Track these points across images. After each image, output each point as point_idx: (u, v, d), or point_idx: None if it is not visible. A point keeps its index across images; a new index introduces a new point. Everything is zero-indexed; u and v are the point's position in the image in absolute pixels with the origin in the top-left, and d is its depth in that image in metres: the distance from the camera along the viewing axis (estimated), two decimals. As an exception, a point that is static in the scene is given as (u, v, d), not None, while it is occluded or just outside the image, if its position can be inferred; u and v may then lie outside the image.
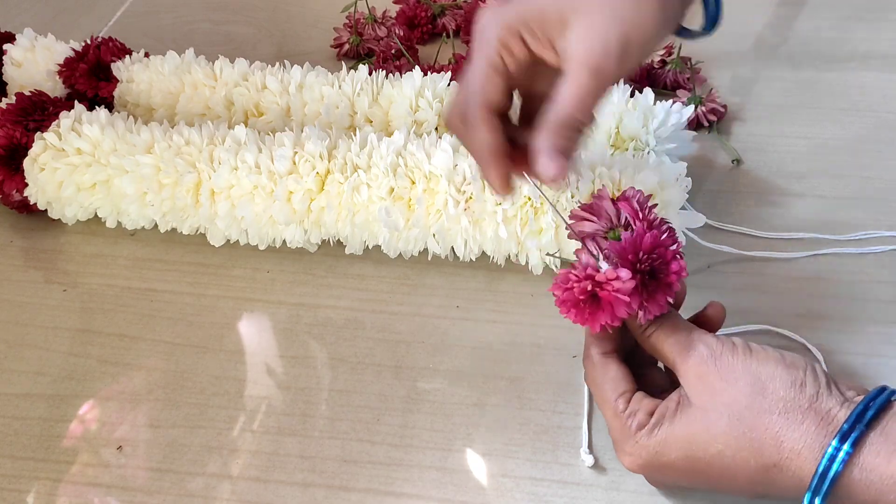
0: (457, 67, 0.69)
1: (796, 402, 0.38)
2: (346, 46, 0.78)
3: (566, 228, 0.44)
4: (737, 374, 0.39)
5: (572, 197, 0.52)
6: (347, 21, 0.79)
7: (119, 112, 0.64)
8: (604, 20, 0.39)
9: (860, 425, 0.36)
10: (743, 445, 0.38)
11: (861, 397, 0.38)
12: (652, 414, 0.40)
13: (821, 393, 0.38)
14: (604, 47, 0.39)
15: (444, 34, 0.79)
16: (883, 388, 0.38)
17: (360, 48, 0.78)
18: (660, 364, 0.46)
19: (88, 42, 0.68)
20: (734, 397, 0.38)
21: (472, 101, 0.42)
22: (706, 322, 0.45)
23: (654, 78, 0.73)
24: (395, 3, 0.82)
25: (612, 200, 0.43)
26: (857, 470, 0.36)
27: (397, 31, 0.78)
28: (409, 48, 0.77)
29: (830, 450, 0.36)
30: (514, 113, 0.47)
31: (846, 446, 0.36)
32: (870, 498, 0.36)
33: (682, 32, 0.47)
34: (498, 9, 0.42)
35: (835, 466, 0.36)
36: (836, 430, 0.36)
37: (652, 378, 0.45)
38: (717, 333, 0.43)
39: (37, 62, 0.68)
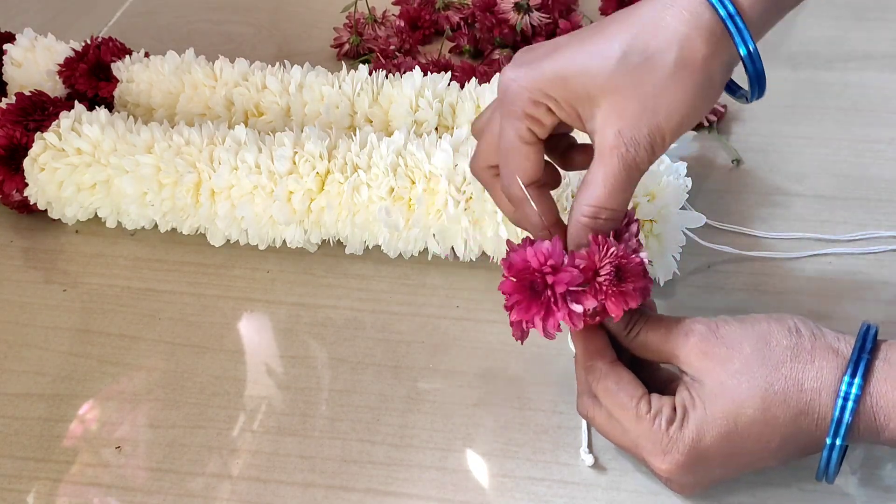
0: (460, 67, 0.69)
1: (801, 346, 0.39)
2: (347, 46, 0.78)
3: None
4: (738, 338, 0.40)
5: (573, 196, 0.52)
6: (347, 21, 0.79)
7: (119, 112, 0.64)
8: (635, 109, 0.38)
9: (865, 354, 0.38)
10: (770, 401, 0.38)
11: (850, 334, 0.40)
12: (675, 408, 0.40)
13: (816, 333, 0.40)
14: (634, 139, 0.38)
15: (447, 28, 0.79)
16: (868, 326, 0.39)
17: (360, 48, 0.78)
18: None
19: (88, 42, 0.68)
20: (744, 361, 0.39)
21: (512, 179, 0.42)
22: None
23: (654, 78, 0.72)
24: (394, 3, 0.82)
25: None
26: (868, 398, 0.37)
27: (399, 24, 0.78)
28: (411, 49, 0.77)
29: (844, 387, 0.37)
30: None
31: (857, 379, 0.37)
32: (881, 423, 0.38)
33: (729, 89, 0.44)
34: (520, 69, 0.40)
35: (849, 406, 0.37)
36: (845, 362, 0.38)
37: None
38: None
39: (37, 62, 0.68)
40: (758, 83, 0.41)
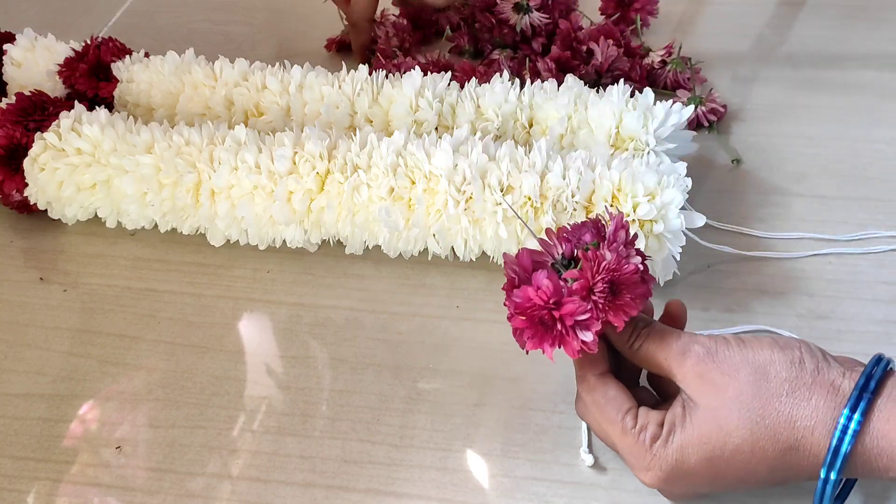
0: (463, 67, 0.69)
1: (800, 381, 0.38)
2: (339, 36, 0.78)
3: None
4: (736, 365, 0.39)
5: (572, 196, 0.52)
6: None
7: (119, 112, 0.64)
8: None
9: (867, 394, 0.36)
10: (759, 435, 0.38)
11: (859, 368, 0.38)
12: (662, 425, 0.40)
13: (820, 367, 0.38)
14: None
15: (447, 28, 0.79)
16: (879, 358, 0.38)
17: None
18: (642, 381, 0.46)
19: (88, 42, 0.68)
20: (739, 389, 0.38)
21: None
22: (672, 322, 0.44)
23: (654, 78, 0.73)
24: (393, 4, 0.82)
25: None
26: (868, 438, 0.36)
27: (402, 22, 0.78)
28: (410, 48, 0.77)
29: (843, 420, 0.36)
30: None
31: (857, 415, 0.36)
32: (881, 465, 0.36)
33: None
34: None
35: (847, 439, 0.36)
36: (844, 400, 0.37)
37: (639, 397, 0.44)
38: (714, 333, 0.42)
39: (37, 62, 0.68)
40: None
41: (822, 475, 0.37)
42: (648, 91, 0.59)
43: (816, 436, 0.37)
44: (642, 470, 0.40)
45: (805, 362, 0.38)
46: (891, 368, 0.38)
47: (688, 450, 0.39)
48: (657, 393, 0.45)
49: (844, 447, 0.36)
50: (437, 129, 0.61)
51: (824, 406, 0.37)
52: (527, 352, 0.41)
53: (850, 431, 0.36)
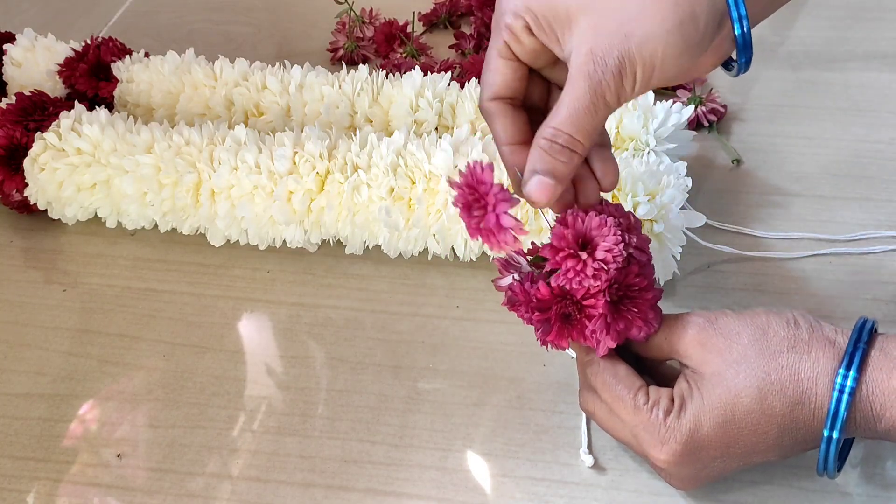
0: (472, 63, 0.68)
1: (798, 337, 0.40)
2: (341, 52, 0.78)
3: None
4: (736, 329, 0.40)
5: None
6: (339, 27, 0.79)
7: (119, 112, 0.64)
8: (610, 29, 0.37)
9: (861, 344, 0.38)
10: (767, 391, 0.39)
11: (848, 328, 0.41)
12: (673, 400, 0.40)
13: (814, 326, 0.40)
14: (603, 60, 0.37)
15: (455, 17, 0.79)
16: (865, 319, 0.40)
17: (355, 55, 0.78)
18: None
19: (88, 42, 0.68)
20: (742, 351, 0.40)
21: (482, 92, 0.41)
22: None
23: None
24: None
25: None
26: (864, 387, 0.38)
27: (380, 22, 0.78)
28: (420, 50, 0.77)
29: (839, 378, 0.38)
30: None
31: (852, 372, 0.38)
32: (876, 413, 0.38)
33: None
34: None
35: (845, 399, 0.38)
36: (841, 353, 0.38)
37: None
38: None
39: (37, 62, 0.68)
40: (743, 42, 0.39)
41: (826, 434, 0.38)
42: (648, 91, 0.59)
43: (820, 386, 0.38)
44: (657, 445, 0.40)
45: (799, 322, 0.40)
46: (875, 329, 0.40)
47: (701, 418, 0.39)
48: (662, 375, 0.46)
49: (843, 408, 0.38)
50: (437, 129, 0.61)
51: (824, 358, 0.39)
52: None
53: (847, 389, 0.38)
